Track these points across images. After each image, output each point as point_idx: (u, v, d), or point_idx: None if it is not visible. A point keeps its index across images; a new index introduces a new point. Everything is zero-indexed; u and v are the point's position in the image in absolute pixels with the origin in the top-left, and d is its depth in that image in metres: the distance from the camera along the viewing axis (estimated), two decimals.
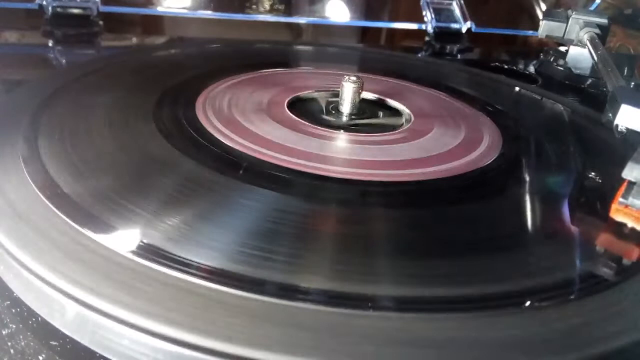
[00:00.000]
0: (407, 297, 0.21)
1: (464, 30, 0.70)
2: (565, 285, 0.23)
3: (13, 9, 0.60)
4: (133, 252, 0.21)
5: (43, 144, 0.29)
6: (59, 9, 0.59)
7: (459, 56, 0.67)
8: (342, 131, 0.36)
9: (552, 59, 0.58)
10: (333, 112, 0.39)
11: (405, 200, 0.29)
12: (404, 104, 0.41)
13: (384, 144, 0.34)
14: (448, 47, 0.68)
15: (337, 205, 0.28)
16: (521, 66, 0.62)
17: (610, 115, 0.33)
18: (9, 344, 0.20)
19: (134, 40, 0.66)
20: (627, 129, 0.32)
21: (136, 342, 0.18)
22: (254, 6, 0.74)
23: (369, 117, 0.39)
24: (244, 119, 0.35)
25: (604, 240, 0.26)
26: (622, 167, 0.26)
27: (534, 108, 0.48)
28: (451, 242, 0.25)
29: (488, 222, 0.27)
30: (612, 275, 0.23)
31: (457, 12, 0.71)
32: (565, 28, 0.54)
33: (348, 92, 0.38)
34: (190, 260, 0.21)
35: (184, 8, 0.71)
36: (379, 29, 0.79)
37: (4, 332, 0.20)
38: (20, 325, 0.20)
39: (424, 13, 0.71)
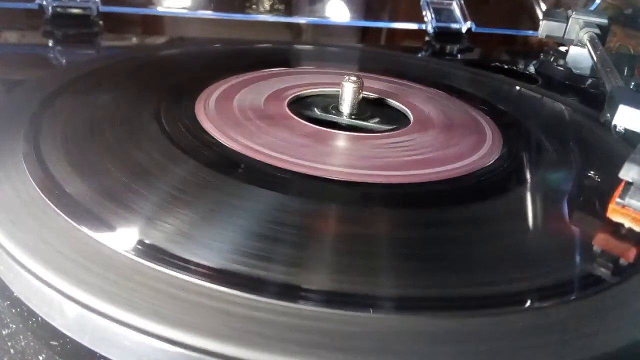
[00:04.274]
0: (407, 298, 0.21)
1: (464, 30, 0.70)
2: (562, 286, 0.23)
3: (13, 9, 0.60)
4: (134, 252, 0.21)
5: (44, 143, 0.29)
6: (59, 9, 0.59)
7: (459, 56, 0.67)
8: (342, 131, 0.36)
9: (552, 59, 0.58)
10: (333, 111, 0.39)
11: (406, 202, 0.29)
12: (404, 104, 0.41)
13: (384, 145, 0.34)
14: (448, 47, 0.68)
15: (337, 206, 0.28)
16: (521, 66, 0.62)
17: (609, 115, 0.33)
18: (9, 344, 0.20)
19: (134, 40, 0.66)
20: (625, 129, 0.32)
21: (136, 342, 0.18)
22: (254, 6, 0.74)
23: (369, 117, 0.39)
24: (244, 119, 0.35)
25: (601, 241, 0.26)
26: (621, 166, 0.26)
27: (535, 108, 0.48)
28: (451, 242, 0.25)
29: (487, 222, 0.27)
30: (609, 276, 0.23)
31: (457, 12, 0.71)
32: (565, 28, 0.54)
33: (348, 92, 0.38)
34: (191, 261, 0.21)
35: (184, 8, 0.71)
36: (379, 29, 0.79)
37: (4, 332, 0.20)
38: (20, 325, 0.20)
39: (424, 13, 0.71)
